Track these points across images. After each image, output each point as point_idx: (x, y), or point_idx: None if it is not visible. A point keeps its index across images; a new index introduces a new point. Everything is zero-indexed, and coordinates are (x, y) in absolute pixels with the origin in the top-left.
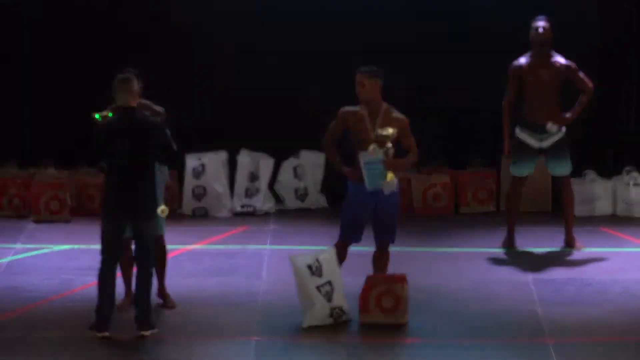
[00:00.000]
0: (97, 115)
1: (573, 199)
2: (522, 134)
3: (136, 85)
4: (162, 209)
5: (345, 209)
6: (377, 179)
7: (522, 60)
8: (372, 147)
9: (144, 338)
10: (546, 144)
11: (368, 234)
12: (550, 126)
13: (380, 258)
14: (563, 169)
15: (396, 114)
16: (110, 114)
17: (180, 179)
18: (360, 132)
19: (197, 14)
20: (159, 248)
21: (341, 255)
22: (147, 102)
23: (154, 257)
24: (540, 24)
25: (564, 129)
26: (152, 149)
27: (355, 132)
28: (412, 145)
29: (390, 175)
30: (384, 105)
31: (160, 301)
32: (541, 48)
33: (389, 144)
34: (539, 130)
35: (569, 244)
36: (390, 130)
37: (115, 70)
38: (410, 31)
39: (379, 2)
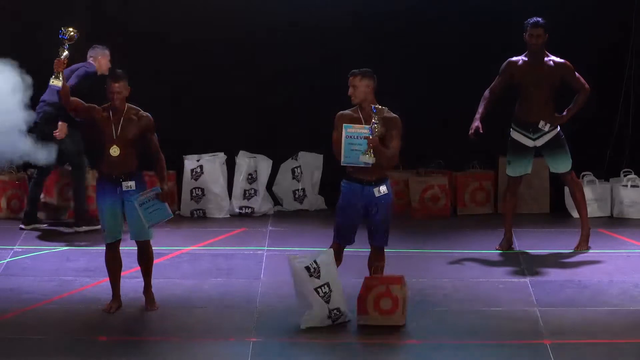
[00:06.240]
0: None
1: (582, 190)
2: (515, 134)
3: None
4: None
5: (338, 211)
6: (355, 154)
7: (518, 59)
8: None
9: None
10: (540, 142)
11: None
12: (543, 125)
13: (375, 261)
14: (562, 165)
15: (389, 113)
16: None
17: (179, 180)
18: None
19: (196, 17)
20: (146, 251)
21: (336, 259)
22: (134, 106)
23: None
24: (534, 30)
25: (558, 127)
26: None
27: None
28: (395, 146)
29: (369, 151)
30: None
31: (159, 303)
32: (535, 52)
33: (375, 120)
34: (531, 129)
35: (584, 241)
36: (380, 107)
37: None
38: (408, 33)
39: (375, 6)
